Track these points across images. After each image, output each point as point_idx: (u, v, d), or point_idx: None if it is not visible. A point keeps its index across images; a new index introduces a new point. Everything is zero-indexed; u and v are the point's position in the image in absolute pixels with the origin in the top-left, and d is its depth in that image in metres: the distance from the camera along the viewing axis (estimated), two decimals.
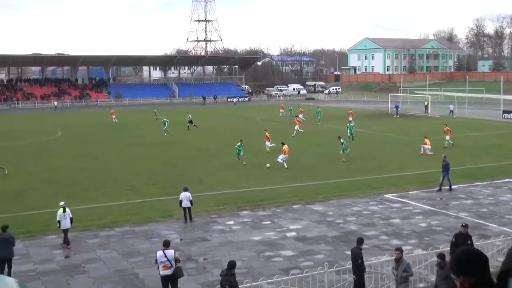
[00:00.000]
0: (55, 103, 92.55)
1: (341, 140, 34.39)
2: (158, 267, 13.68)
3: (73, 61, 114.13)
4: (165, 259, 13.49)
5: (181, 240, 18.91)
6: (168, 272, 13.53)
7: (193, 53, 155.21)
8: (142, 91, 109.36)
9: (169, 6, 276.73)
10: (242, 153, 33.00)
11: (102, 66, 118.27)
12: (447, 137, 38.86)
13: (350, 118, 52.69)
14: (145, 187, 27.37)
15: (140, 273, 15.83)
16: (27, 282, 14.16)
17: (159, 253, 13.62)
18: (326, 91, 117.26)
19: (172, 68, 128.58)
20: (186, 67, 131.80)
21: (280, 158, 31.74)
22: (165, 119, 50.91)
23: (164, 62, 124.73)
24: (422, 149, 35.75)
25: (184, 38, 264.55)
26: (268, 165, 31.19)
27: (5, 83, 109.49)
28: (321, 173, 29.94)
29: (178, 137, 46.50)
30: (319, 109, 60.66)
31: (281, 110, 67.50)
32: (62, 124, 59.02)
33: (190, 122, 52.72)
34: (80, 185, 27.71)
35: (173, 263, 13.53)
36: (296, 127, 47.68)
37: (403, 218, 21.11)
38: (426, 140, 35.98)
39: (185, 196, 20.68)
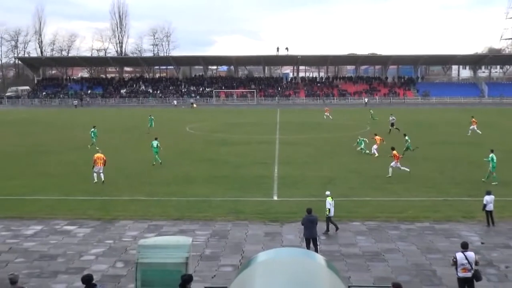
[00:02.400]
0: (365, 99, 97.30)
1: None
2: (457, 269, 13.60)
3: (384, 61, 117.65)
4: (466, 261, 13.34)
5: (482, 243, 18.28)
6: (468, 274, 13.36)
7: (507, 52, 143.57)
8: (449, 90, 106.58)
9: (483, 4, 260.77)
10: None
11: (412, 65, 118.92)
12: None
13: None
14: (448, 186, 27.05)
15: (438, 270, 15.90)
16: (333, 261, 15.64)
17: (460, 255, 13.51)
18: None
19: (483, 67, 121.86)
20: (498, 66, 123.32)
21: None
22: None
23: (474, 61, 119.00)
24: None
25: (497, 37, 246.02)
26: None
27: (323, 80, 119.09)
28: None
29: (485, 138, 44.20)
30: None
31: None
32: (371, 120, 62.04)
33: (392, 125, 50.49)
34: (384, 178, 28.88)
35: (473, 265, 13.34)
36: None
37: None
38: None
39: (490, 199, 19.92)
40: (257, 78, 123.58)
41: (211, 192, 25.97)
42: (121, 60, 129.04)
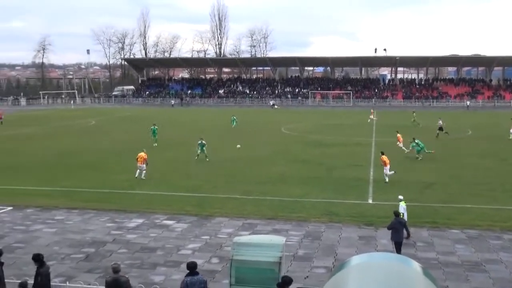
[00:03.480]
0: (468, 102, 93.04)
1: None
2: None
3: (489, 62, 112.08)
4: None
5: None
6: None
7: None
8: None
9: None
10: None
11: None
12: None
13: None
14: None
15: None
16: (430, 269, 15.16)
17: None
18: None
19: None
20: None
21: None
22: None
23: None
24: None
25: None
26: None
27: (422, 82, 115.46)
28: None
29: None
30: None
31: None
32: (473, 123, 59.13)
33: (440, 129, 48.02)
34: (487, 185, 27.56)
35: None
36: None
37: None
38: None
39: None
40: (353, 80, 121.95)
41: (305, 193, 26.01)
42: (220, 61, 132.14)
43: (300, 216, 22.00)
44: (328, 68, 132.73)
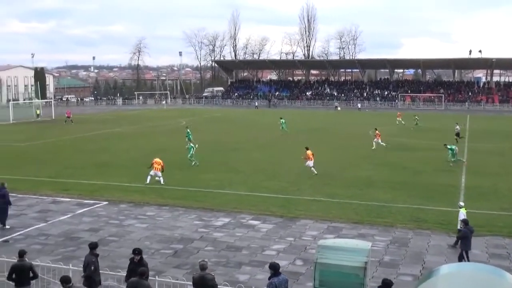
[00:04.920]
0: None
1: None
2: None
3: None
4: None
5: None
6: None
7: None
8: None
9: None
10: None
11: None
12: None
13: None
14: None
15: None
16: None
17: None
18: None
19: None
20: None
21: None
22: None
23: None
24: None
25: None
26: None
27: None
28: None
29: None
30: None
31: None
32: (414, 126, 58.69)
33: (457, 134, 45.39)
34: None
35: None
36: None
37: None
38: None
39: None
40: (445, 82, 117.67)
41: (392, 198, 25.47)
42: (308, 63, 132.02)
43: (387, 221, 21.57)
44: (419, 70, 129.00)
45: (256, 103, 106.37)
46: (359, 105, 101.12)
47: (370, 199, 25.27)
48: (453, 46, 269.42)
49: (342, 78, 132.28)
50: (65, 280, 11.22)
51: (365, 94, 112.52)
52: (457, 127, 48.88)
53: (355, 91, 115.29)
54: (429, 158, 37.80)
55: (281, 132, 53.54)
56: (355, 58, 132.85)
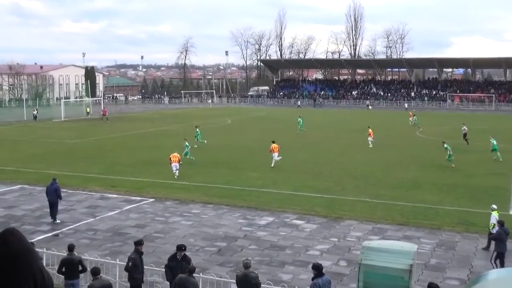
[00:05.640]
0: None
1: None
2: None
3: None
4: None
5: None
6: None
7: None
8: None
9: None
10: None
11: None
12: None
13: None
14: None
15: None
16: None
17: None
18: None
19: None
20: None
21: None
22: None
23: None
24: None
25: None
26: None
27: None
28: None
29: None
30: None
31: None
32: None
33: (464, 136, 43.65)
34: None
35: None
36: None
37: None
38: None
39: None
40: (496, 82, 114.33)
41: (439, 200, 24.97)
42: (354, 62, 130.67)
43: (433, 223, 21.18)
44: (469, 69, 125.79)
45: (299, 102, 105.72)
46: (405, 105, 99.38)
47: (416, 200, 24.85)
48: (505, 45, 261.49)
49: (389, 78, 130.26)
50: (95, 272, 11.97)
51: (412, 94, 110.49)
52: (464, 127, 46.93)
53: (402, 90, 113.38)
54: (481, 160, 36.80)
55: (298, 132, 52.93)
56: (402, 57, 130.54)
